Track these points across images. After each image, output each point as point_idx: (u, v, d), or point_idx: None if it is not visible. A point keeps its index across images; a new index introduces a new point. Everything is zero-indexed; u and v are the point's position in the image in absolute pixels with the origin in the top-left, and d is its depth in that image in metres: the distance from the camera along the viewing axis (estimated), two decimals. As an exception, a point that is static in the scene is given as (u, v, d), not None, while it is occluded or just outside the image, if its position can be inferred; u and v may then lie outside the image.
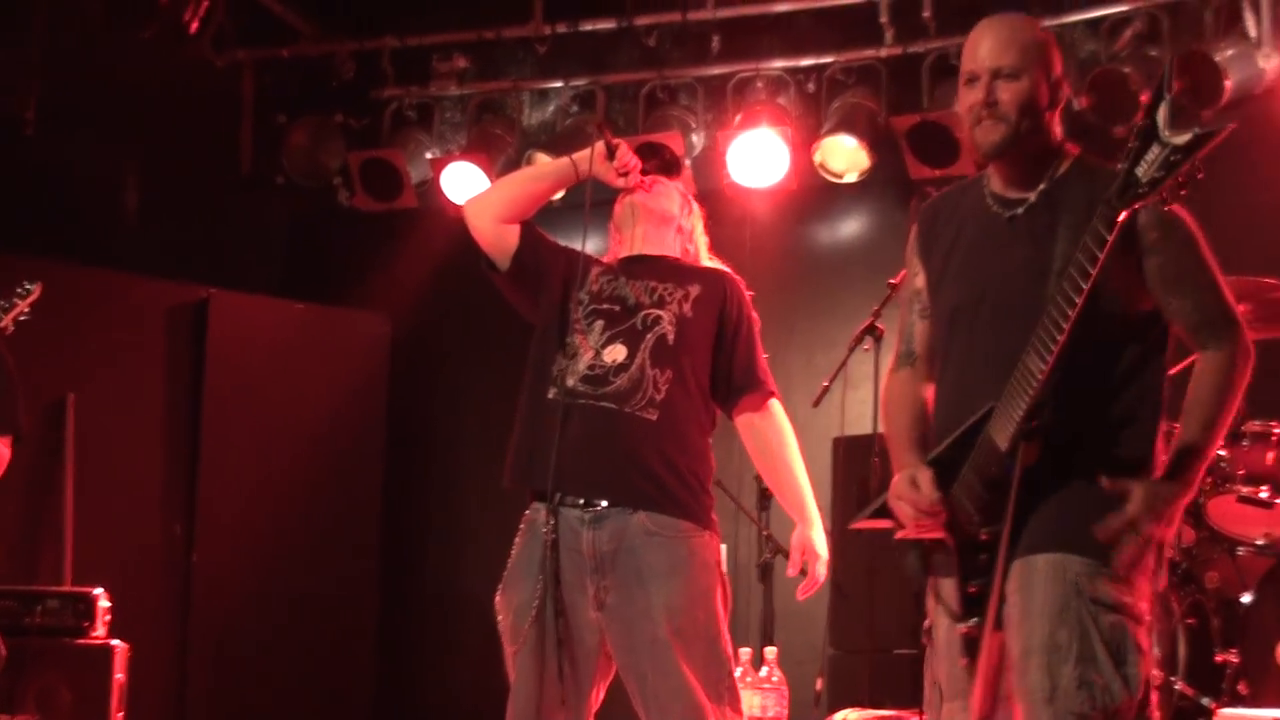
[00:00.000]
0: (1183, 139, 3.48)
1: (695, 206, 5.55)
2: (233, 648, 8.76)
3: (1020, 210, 4.09)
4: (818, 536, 5.31)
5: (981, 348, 4.10)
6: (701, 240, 5.51)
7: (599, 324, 5.15)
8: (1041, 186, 4.09)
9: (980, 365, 4.08)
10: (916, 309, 4.38)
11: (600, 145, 5.27)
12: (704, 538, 5.05)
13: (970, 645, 4.01)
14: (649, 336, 5.10)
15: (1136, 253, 3.94)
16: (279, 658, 8.88)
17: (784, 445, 5.34)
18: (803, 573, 5.34)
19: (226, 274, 9.38)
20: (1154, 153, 3.52)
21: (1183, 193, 3.58)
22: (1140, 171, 3.55)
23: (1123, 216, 3.63)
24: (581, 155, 5.34)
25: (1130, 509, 3.81)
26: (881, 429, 4.65)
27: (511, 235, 5.29)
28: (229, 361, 9.00)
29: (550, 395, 5.10)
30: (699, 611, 4.97)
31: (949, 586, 4.10)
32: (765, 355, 5.38)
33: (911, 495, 4.05)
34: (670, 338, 5.11)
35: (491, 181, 8.71)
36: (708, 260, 5.48)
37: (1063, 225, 3.95)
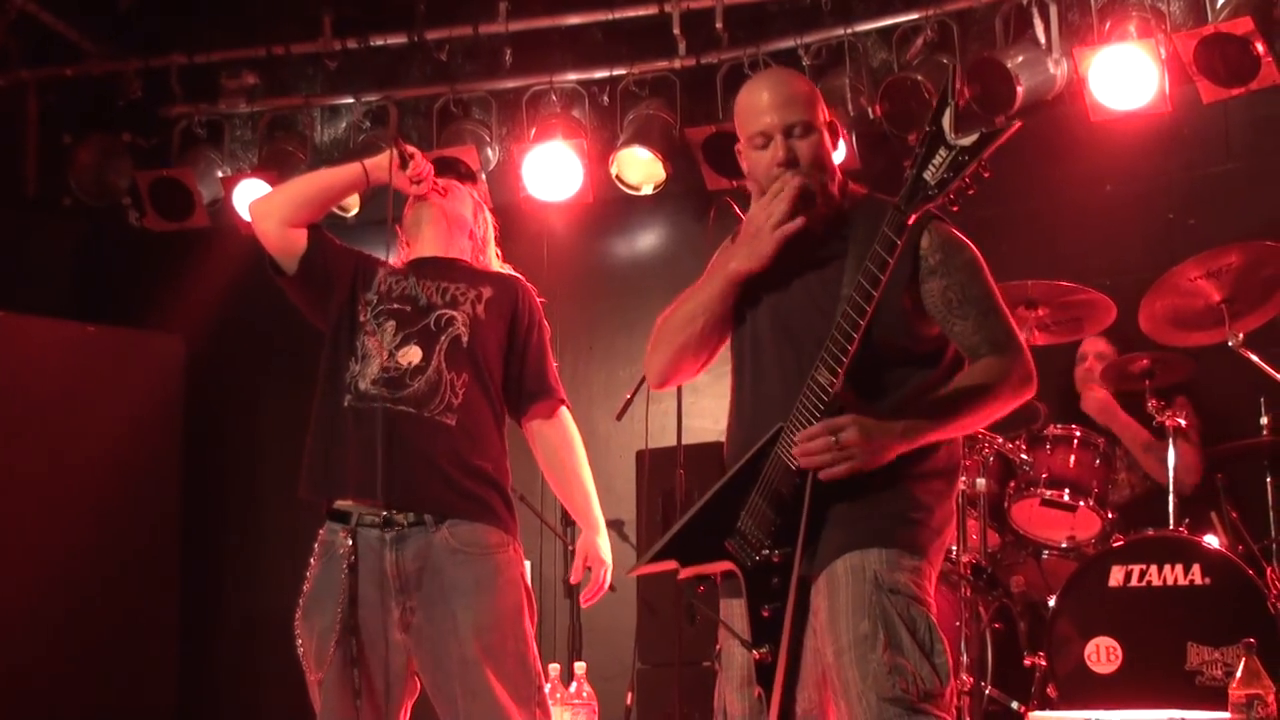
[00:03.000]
0: (969, 140, 3.63)
1: (488, 215, 5.55)
2: (26, 683, 8.53)
3: (808, 245, 4.14)
4: (602, 542, 5.38)
5: (773, 373, 4.17)
6: (493, 251, 5.52)
7: (390, 324, 5.12)
8: (828, 223, 4.16)
9: (771, 389, 4.15)
10: None
11: (394, 153, 5.23)
12: (508, 553, 5.05)
13: (763, 673, 4.02)
14: (443, 338, 5.08)
15: (919, 277, 4.01)
16: (76, 691, 8.67)
17: (571, 452, 5.37)
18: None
19: (13, 297, 9.14)
20: (941, 156, 3.66)
21: (970, 192, 3.68)
22: (928, 175, 3.68)
23: (912, 219, 3.73)
24: (374, 162, 5.28)
25: (838, 419, 3.84)
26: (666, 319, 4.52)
27: (299, 238, 5.24)
28: (17, 385, 8.77)
29: (345, 403, 5.05)
30: (507, 629, 4.97)
31: (739, 612, 4.11)
32: (556, 364, 5.40)
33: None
34: (464, 339, 5.10)
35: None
36: (499, 267, 5.48)
37: (850, 256, 4.02)
